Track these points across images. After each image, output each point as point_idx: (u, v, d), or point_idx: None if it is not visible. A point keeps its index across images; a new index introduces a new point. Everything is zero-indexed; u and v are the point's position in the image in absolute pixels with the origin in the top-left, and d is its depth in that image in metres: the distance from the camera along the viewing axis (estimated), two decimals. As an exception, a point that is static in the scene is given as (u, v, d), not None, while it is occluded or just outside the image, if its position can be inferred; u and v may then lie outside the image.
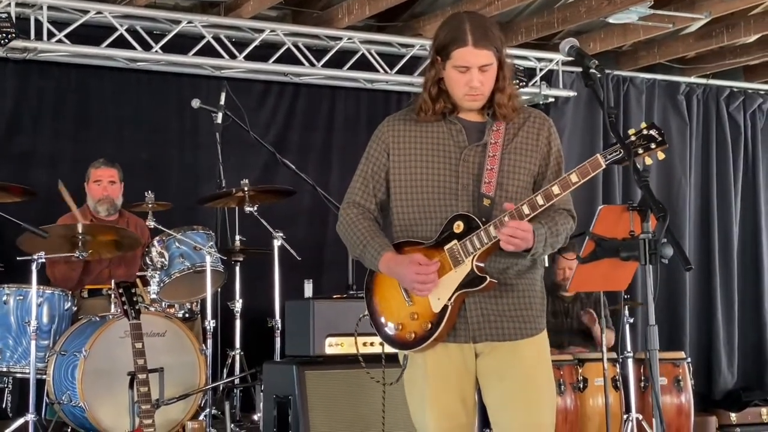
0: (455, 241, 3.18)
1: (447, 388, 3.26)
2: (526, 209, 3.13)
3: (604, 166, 3.12)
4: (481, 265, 3.17)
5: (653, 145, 3.10)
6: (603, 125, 8.83)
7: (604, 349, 6.25)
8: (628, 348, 6.55)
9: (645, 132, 3.11)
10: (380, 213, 3.38)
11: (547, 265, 7.04)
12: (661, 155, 3.11)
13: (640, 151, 3.10)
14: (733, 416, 8.61)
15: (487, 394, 3.30)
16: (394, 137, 3.32)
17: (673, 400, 6.74)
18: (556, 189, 3.14)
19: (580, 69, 3.27)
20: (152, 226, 6.10)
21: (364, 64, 8.05)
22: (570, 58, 3.18)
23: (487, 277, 3.16)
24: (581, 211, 3.36)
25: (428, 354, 3.25)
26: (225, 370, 6.38)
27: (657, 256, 2.98)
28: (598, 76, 3.14)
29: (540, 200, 3.14)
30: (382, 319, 3.31)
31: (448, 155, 3.25)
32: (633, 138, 3.11)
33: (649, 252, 2.99)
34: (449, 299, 3.17)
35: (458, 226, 3.19)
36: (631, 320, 6.68)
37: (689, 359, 6.95)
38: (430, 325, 3.20)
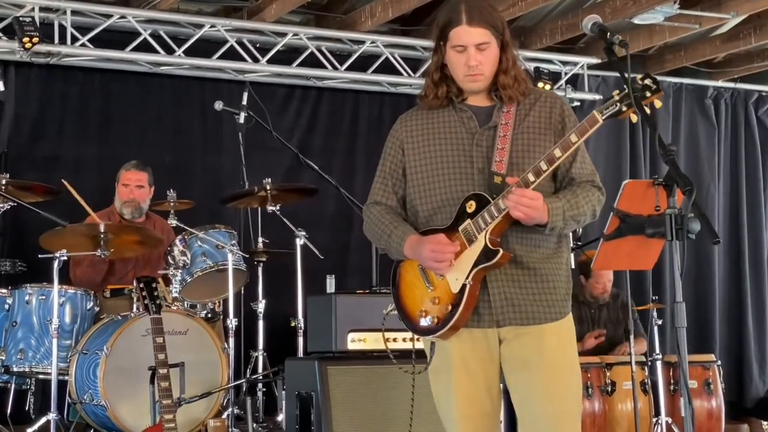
0: (468, 221, 3.17)
1: (471, 375, 3.22)
2: (531, 177, 3.09)
3: (601, 122, 3.06)
4: (495, 238, 3.14)
5: (648, 94, 3.03)
6: (629, 128, 8.77)
7: (632, 352, 6.14)
8: (657, 350, 6.44)
9: (640, 83, 3.05)
10: (404, 210, 3.37)
11: (573, 266, 7.05)
12: (658, 103, 3.04)
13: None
14: (765, 424, 8.49)
15: (512, 382, 3.25)
16: (407, 133, 3.34)
17: (704, 404, 6.63)
18: (557, 152, 3.09)
19: (603, 46, 3.18)
20: (174, 225, 6.07)
21: (387, 68, 8.04)
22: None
23: (500, 249, 3.12)
24: (607, 188, 3.29)
25: (453, 342, 3.22)
26: (248, 371, 6.34)
27: (684, 231, 2.90)
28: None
29: (543, 165, 3.09)
30: (407, 309, 3.31)
31: (461, 142, 3.24)
32: (627, 90, 3.04)
33: (675, 227, 2.91)
34: (467, 278, 3.15)
35: (470, 206, 3.17)
36: (660, 322, 6.57)
37: (719, 362, 6.83)
38: (450, 307, 3.17)
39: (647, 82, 3.04)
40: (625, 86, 3.05)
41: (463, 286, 3.15)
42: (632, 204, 3.27)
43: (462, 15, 3.17)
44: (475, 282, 3.15)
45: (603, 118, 3.06)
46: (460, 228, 3.18)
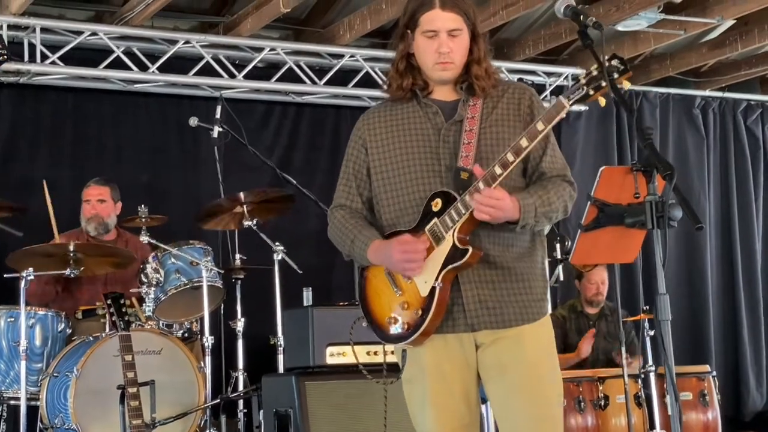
0: (435, 219, 3.03)
1: (448, 385, 3.08)
2: (498, 169, 2.94)
3: (568, 107, 2.95)
4: (464, 237, 2.99)
5: (616, 75, 2.90)
6: (617, 139, 8.64)
7: (625, 364, 5.98)
8: (650, 362, 6.27)
9: (608, 63, 2.92)
10: (370, 212, 3.23)
11: (561, 278, 6.89)
12: (626, 84, 2.91)
13: (603, 83, 2.90)
14: (765, 438, 8.32)
15: (490, 389, 3.10)
16: (369, 131, 3.20)
17: (699, 417, 6.45)
18: (524, 142, 2.94)
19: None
20: (146, 241, 5.90)
21: (368, 82, 7.92)
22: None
23: (470, 248, 2.97)
24: (594, 177, 3.14)
25: (427, 349, 3.07)
26: (228, 391, 6.14)
27: (665, 219, 2.74)
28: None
29: (510, 157, 2.94)
30: (376, 317, 3.16)
31: (427, 138, 3.12)
32: (595, 72, 2.91)
33: (656, 215, 2.76)
34: (436, 280, 2.99)
35: (436, 204, 3.04)
36: (652, 333, 6.40)
37: (714, 373, 6.66)
38: (420, 312, 3.02)
39: (615, 62, 2.92)
40: (592, 69, 2.92)
41: (433, 289, 3.00)
42: (610, 192, 3.12)
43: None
44: (445, 284, 3.00)
45: (570, 103, 2.95)
46: (427, 228, 3.03)
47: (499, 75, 3.19)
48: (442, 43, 3.05)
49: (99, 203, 6.25)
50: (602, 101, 2.93)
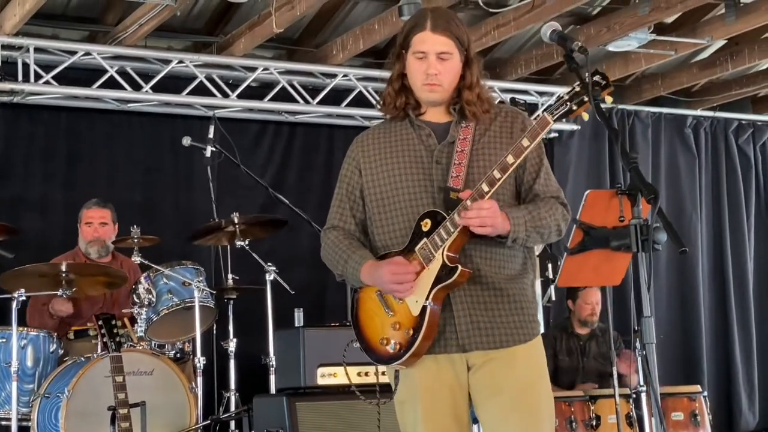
0: (424, 239, 3.04)
1: (440, 405, 3.08)
2: (485, 187, 2.97)
3: (552, 123, 2.97)
4: (453, 255, 3.01)
5: (598, 90, 2.94)
6: (609, 158, 8.67)
7: (616, 383, 5.97)
8: (641, 382, 6.27)
9: (589, 80, 2.96)
10: (363, 234, 3.24)
11: (554, 298, 6.90)
12: (608, 99, 2.96)
13: (585, 98, 2.94)
14: (758, 458, 8.31)
15: (482, 411, 3.10)
16: (363, 153, 3.22)
17: (691, 437, 6.45)
18: (510, 159, 2.97)
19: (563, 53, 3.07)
20: (138, 262, 5.91)
21: (361, 102, 7.95)
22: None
23: (459, 266, 2.98)
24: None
25: (418, 370, 3.08)
26: (220, 412, 6.14)
27: (650, 242, 2.76)
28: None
29: (497, 174, 2.97)
30: (368, 338, 3.17)
31: (420, 160, 3.13)
32: (577, 89, 2.96)
33: (641, 238, 2.78)
34: (427, 299, 3.01)
35: (425, 224, 3.05)
36: (644, 353, 6.39)
37: (706, 393, 6.66)
38: (412, 331, 3.03)
39: (596, 78, 2.96)
40: (575, 85, 2.97)
41: (424, 308, 3.01)
42: (595, 215, 3.13)
43: (427, 21, 3.10)
44: (436, 303, 3.01)
45: (554, 118, 2.97)
46: (417, 248, 3.05)
47: (493, 100, 3.21)
48: (430, 65, 3.07)
49: (101, 226, 6.23)
50: (585, 116, 2.97)
